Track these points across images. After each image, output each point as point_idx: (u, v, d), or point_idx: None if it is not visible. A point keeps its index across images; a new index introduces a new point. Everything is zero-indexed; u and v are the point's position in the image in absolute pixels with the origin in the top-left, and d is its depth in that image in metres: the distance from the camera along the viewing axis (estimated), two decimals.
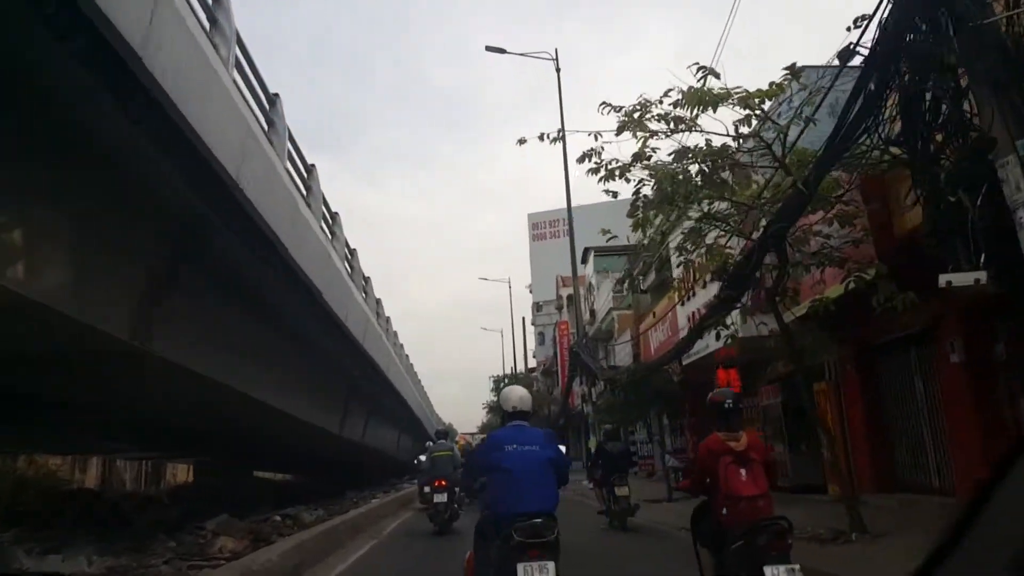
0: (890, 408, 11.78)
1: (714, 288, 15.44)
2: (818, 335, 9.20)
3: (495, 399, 46.46)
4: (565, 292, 44.04)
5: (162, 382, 9.91)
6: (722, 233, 9.40)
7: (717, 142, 8.85)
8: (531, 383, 46.67)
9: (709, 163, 8.79)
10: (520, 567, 4.15)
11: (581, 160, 8.91)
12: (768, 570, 4.15)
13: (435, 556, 10.18)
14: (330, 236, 13.23)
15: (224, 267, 9.52)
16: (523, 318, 58.13)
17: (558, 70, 26.01)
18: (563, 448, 6.84)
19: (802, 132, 8.41)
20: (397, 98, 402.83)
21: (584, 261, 34.40)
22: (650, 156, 9.18)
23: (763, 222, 9.15)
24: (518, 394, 5.04)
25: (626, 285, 16.60)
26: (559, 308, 46.89)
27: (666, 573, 7.92)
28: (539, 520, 4.31)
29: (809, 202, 7.64)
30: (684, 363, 17.12)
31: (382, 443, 28.77)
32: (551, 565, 4.22)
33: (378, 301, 21.38)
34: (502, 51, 27.35)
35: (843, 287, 9.04)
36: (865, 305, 10.03)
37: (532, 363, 56.39)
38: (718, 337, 9.66)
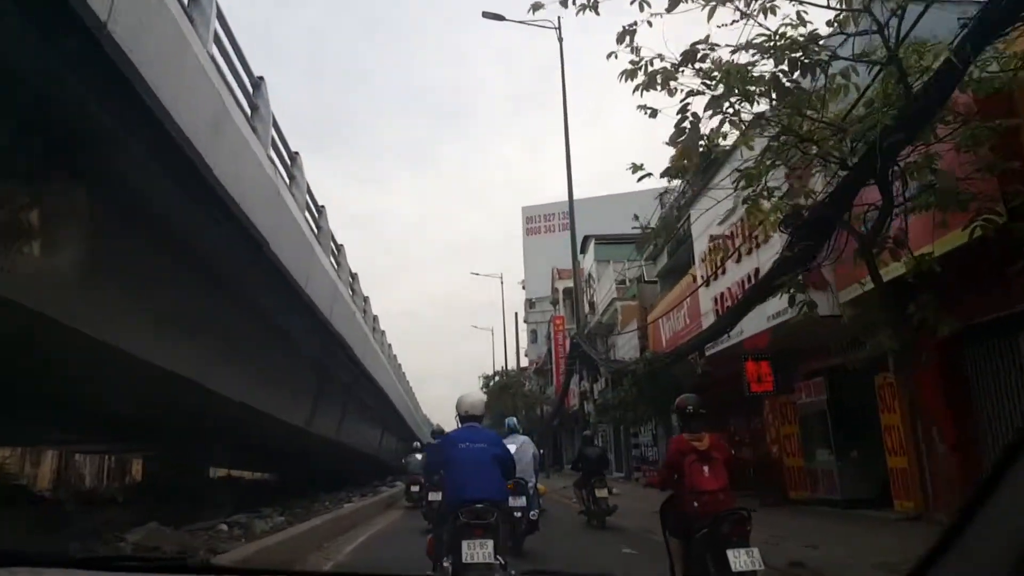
0: (985, 407, 9.38)
1: (749, 263, 13.13)
2: (929, 301, 6.74)
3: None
4: (561, 285, 41.65)
5: (42, 343, 7.44)
6: (801, 158, 6.96)
7: (794, 33, 6.44)
8: (522, 382, 44.18)
9: (787, 60, 6.33)
10: (464, 543, 4.90)
11: (620, 40, 6.44)
12: (730, 553, 4.74)
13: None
14: (287, 180, 10.73)
15: (115, 179, 6.84)
16: (516, 314, 55.31)
17: (560, 40, 24.42)
18: (513, 447, 8.09)
19: (925, 9, 6.01)
20: (390, 98, 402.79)
21: (583, 251, 32.33)
22: (706, 55, 6.76)
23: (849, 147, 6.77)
24: (470, 400, 5.88)
25: (645, 254, 14.24)
26: (554, 303, 44.30)
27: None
28: (481, 505, 5.05)
29: (957, 83, 5.23)
30: (707, 354, 14.76)
31: (361, 442, 26.01)
32: (490, 542, 4.94)
33: (354, 276, 18.56)
34: (500, 18, 25.73)
35: (966, 235, 6.67)
36: (979, 265, 7.72)
37: (524, 362, 53.81)
38: (792, 303, 7.21)
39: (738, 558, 4.71)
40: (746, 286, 12.24)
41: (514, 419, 11.32)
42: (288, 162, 11.23)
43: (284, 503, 18.19)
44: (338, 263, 15.32)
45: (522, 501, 8.71)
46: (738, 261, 13.17)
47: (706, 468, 5.21)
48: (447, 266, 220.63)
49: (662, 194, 17.75)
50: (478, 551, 4.85)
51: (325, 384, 17.18)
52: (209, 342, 10.37)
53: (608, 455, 18.04)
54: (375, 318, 23.56)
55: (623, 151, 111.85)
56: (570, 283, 42.38)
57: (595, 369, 21.18)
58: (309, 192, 12.47)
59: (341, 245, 15.91)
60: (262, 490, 26.57)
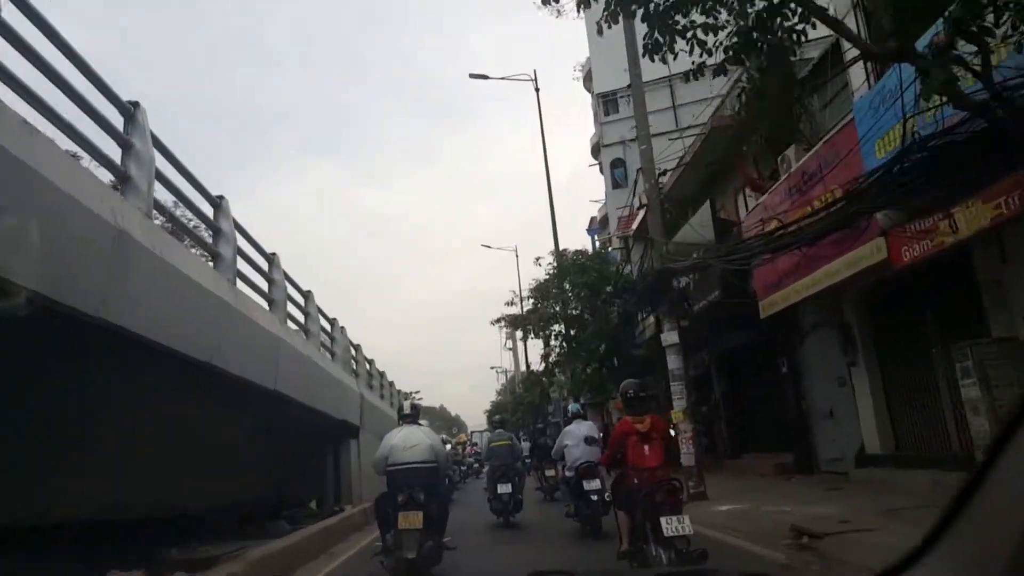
0: None
1: None
2: None
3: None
4: None
5: None
6: None
7: None
8: (607, 265, 24.07)
9: None
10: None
11: None
12: (663, 520, 5.37)
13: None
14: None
15: None
16: (593, 83, 31.23)
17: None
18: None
19: None
20: (393, 95, 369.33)
21: None
22: None
23: None
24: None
25: None
26: None
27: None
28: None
29: None
30: None
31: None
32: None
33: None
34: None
35: None
36: None
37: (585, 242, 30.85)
38: None
39: (670, 524, 5.31)
40: None
41: (577, 405, 12.46)
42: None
43: None
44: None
45: (596, 484, 9.37)
46: None
47: (646, 447, 5.99)
48: (461, 262, 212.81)
49: None
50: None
51: None
52: None
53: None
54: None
55: None
56: None
57: None
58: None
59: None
60: None
